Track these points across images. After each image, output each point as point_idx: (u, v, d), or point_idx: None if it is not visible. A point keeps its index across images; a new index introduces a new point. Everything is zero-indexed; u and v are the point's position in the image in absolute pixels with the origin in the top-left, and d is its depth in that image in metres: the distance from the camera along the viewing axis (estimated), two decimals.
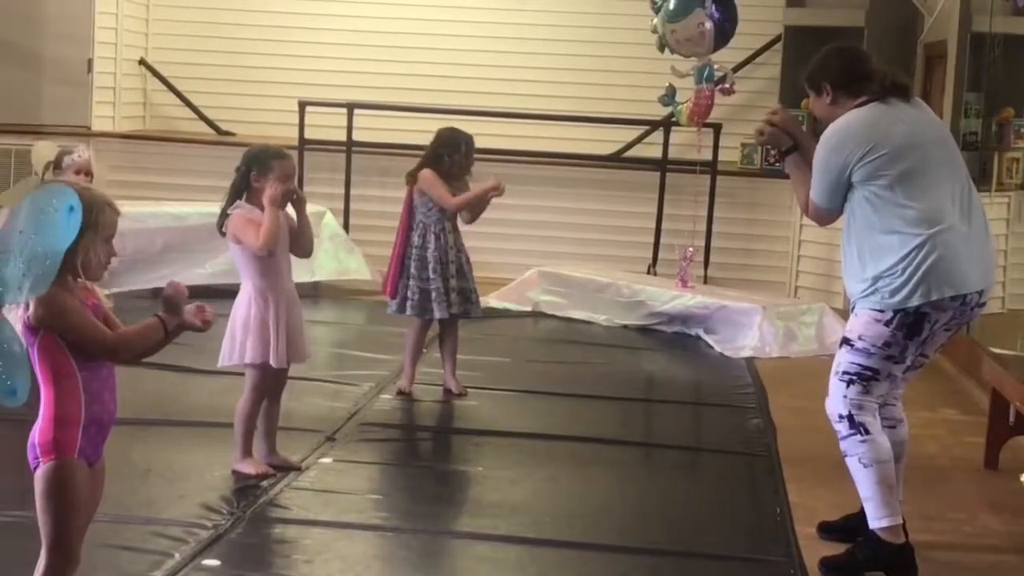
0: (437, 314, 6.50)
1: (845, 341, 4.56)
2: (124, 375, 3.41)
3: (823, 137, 4.57)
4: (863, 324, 4.48)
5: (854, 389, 4.50)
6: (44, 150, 7.74)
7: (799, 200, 4.80)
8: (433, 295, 6.47)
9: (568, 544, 4.67)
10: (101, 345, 3.26)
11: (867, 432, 4.48)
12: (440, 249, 6.49)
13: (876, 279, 4.42)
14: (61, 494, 3.25)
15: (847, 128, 4.52)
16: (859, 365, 4.49)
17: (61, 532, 3.26)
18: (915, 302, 4.38)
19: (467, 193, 6.53)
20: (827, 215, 4.63)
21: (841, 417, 4.52)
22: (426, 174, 6.52)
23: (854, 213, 4.51)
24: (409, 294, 6.51)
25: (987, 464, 5.90)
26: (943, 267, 4.38)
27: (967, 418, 6.77)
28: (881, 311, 4.43)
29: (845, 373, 4.52)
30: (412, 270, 6.50)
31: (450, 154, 6.52)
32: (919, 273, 4.36)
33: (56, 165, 7.19)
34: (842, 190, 4.50)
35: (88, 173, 7.11)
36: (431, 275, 6.47)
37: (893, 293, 4.40)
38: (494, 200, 6.63)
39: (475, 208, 6.61)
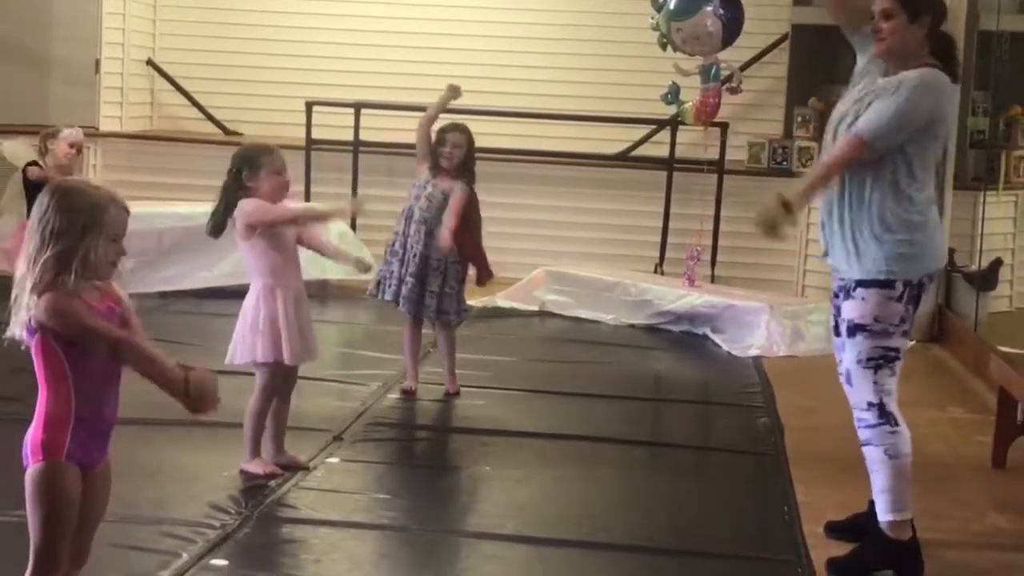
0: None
1: (858, 328, 4.42)
2: (132, 374, 3.40)
3: (922, 79, 4.31)
4: (875, 306, 4.39)
5: (883, 373, 4.42)
6: (19, 147, 7.83)
7: (826, 166, 4.47)
8: (385, 275, 6.60)
9: (575, 543, 4.68)
10: (105, 339, 3.23)
11: (896, 424, 4.43)
12: (405, 235, 6.56)
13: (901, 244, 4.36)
14: (46, 497, 3.23)
15: (945, 91, 4.37)
16: (882, 348, 4.41)
17: (45, 535, 3.24)
18: (919, 275, 4.41)
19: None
20: (862, 158, 4.31)
21: (871, 405, 4.43)
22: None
23: (891, 179, 4.34)
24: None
25: (995, 463, 5.90)
26: (941, 241, 4.54)
27: (975, 417, 6.76)
28: (891, 287, 4.36)
29: (870, 360, 4.42)
30: (388, 255, 6.63)
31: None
32: (930, 246, 4.42)
33: (52, 136, 7.38)
34: (896, 142, 4.30)
35: (80, 150, 7.33)
36: (390, 258, 6.60)
37: (910, 264, 4.37)
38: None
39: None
